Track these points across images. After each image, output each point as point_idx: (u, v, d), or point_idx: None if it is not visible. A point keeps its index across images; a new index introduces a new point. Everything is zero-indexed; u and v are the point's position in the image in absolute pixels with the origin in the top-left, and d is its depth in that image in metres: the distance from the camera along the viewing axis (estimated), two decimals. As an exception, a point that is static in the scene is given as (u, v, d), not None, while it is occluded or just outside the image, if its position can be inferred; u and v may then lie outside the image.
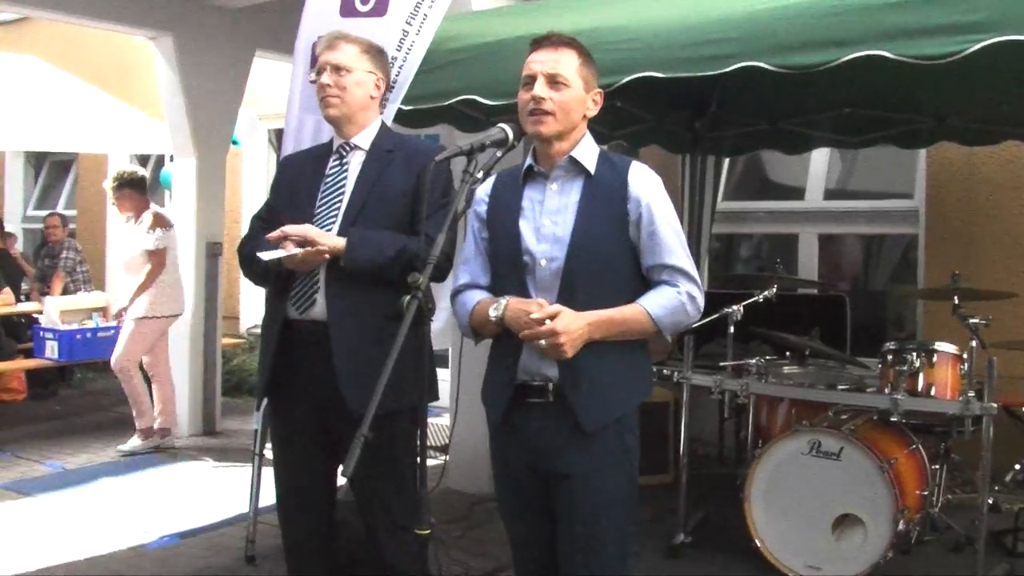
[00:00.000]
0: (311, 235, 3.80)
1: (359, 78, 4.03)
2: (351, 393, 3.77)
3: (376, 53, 4.15)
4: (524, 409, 3.34)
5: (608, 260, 3.30)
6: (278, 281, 3.97)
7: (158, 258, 8.27)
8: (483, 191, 3.53)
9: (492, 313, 3.28)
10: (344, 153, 4.06)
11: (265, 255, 3.83)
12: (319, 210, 3.97)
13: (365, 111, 4.08)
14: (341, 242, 3.83)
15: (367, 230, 3.87)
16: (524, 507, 3.47)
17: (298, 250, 3.79)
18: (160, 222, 8.34)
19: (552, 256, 3.30)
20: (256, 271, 4.06)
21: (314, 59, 4.48)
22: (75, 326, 9.11)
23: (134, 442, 8.40)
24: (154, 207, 8.54)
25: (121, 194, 8.45)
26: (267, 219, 4.12)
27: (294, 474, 4.13)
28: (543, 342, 3.13)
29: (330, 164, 4.07)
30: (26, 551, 5.91)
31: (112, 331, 9.40)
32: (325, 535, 4.19)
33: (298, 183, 4.12)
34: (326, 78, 3.99)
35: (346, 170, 4.03)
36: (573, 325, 3.14)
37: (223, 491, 7.20)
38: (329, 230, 3.90)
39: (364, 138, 4.07)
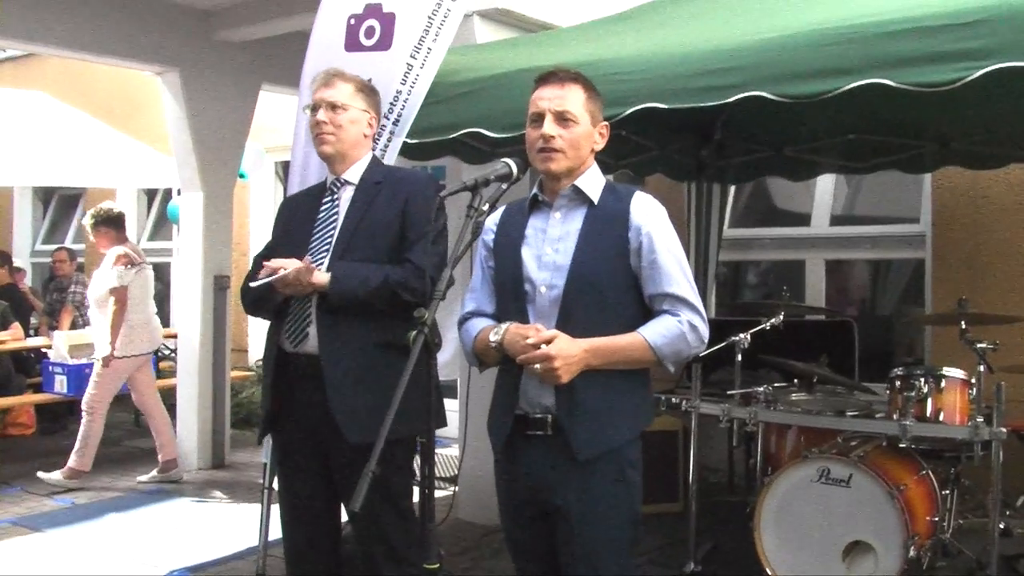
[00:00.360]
0: (298, 264, 3.85)
1: (354, 116, 4.11)
2: (346, 424, 3.85)
3: (369, 92, 4.24)
4: (524, 441, 3.35)
5: (607, 288, 3.30)
6: (274, 315, 4.01)
7: (118, 295, 8.15)
8: (491, 221, 3.56)
9: (492, 338, 3.29)
10: (335, 189, 4.14)
11: (254, 283, 3.92)
12: (312, 246, 4.05)
13: (358, 148, 4.16)
14: (327, 278, 3.89)
15: (352, 263, 3.94)
16: (528, 539, 3.47)
17: (284, 270, 3.84)
18: (124, 260, 8.26)
19: (552, 284, 3.32)
20: (254, 304, 4.15)
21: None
22: (84, 360, 9.10)
23: (55, 478, 8.32)
24: (126, 246, 8.46)
25: (99, 232, 8.45)
26: (268, 258, 4.16)
27: (298, 506, 4.18)
28: (538, 367, 3.13)
29: (323, 201, 4.15)
30: (36, 587, 5.92)
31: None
32: (331, 568, 4.22)
33: (294, 221, 4.22)
34: (322, 115, 4.06)
35: (337, 206, 4.11)
36: (568, 351, 3.14)
37: (233, 524, 7.19)
38: (321, 264, 3.97)
39: (354, 173, 4.14)
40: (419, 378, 3.85)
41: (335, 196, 4.13)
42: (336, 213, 4.09)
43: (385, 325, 3.94)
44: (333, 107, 4.06)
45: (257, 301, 4.11)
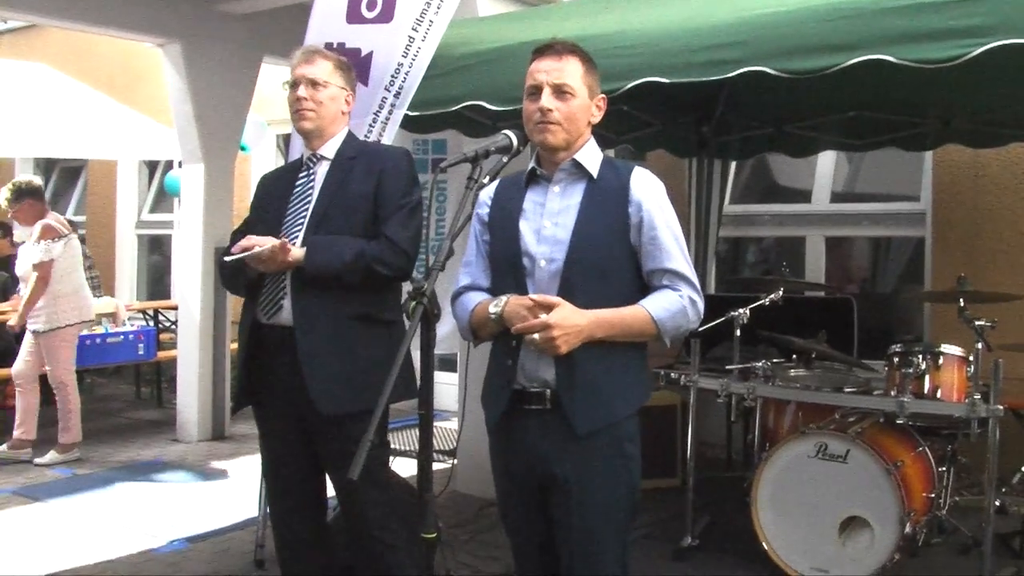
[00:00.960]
0: (274, 242, 3.89)
1: (333, 93, 4.16)
2: (319, 396, 3.91)
3: (347, 69, 4.28)
4: (521, 416, 3.34)
5: (607, 263, 3.30)
6: (248, 291, 4.04)
7: (42, 271, 8.05)
8: (486, 194, 3.55)
9: (492, 309, 3.28)
10: (311, 165, 4.18)
11: (228, 258, 3.97)
12: (287, 220, 4.10)
13: (335, 124, 4.20)
14: (302, 252, 3.94)
15: (328, 236, 3.98)
16: (524, 512, 3.47)
17: (260, 247, 3.88)
18: (48, 233, 8.14)
19: (551, 257, 3.30)
20: (230, 280, 4.21)
21: None
22: (85, 332, 9.12)
23: (51, 458, 8.28)
24: (48, 218, 8.31)
25: (20, 206, 8.32)
26: (244, 234, 4.22)
27: (281, 475, 4.23)
28: (536, 336, 3.13)
29: (299, 176, 4.19)
30: (36, 556, 5.94)
31: (122, 336, 9.44)
32: (317, 534, 4.28)
33: (271, 197, 4.25)
34: (302, 91, 4.10)
35: (312, 180, 4.15)
36: (570, 320, 3.13)
37: (232, 495, 7.23)
38: (295, 237, 4.01)
39: (330, 148, 4.18)
40: (393, 349, 3.92)
41: (311, 171, 4.17)
42: (311, 188, 4.13)
43: (359, 298, 4.01)
44: (313, 84, 4.10)
45: (232, 277, 4.14)
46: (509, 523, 3.58)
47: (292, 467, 4.16)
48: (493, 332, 3.37)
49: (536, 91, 3.32)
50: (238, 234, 4.25)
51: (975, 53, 3.76)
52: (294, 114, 4.13)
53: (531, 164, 3.46)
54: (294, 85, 4.12)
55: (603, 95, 3.46)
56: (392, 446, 5.43)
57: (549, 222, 3.35)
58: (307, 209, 4.07)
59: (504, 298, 3.28)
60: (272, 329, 4.02)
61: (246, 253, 3.89)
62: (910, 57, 3.92)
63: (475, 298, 3.46)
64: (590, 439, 3.26)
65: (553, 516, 3.37)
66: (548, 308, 3.14)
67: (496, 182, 3.51)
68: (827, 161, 8.82)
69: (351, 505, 4.11)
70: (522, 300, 3.22)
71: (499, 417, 3.41)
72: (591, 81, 3.36)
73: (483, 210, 3.55)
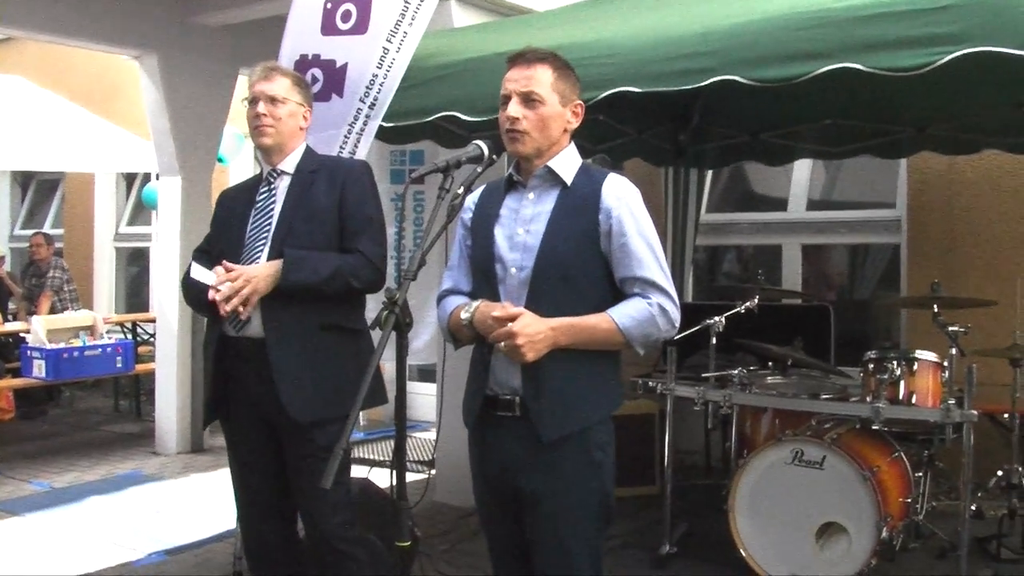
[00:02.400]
0: (248, 274, 3.91)
1: (292, 109, 4.19)
2: (292, 404, 3.93)
3: (305, 86, 4.34)
4: (494, 422, 3.35)
5: (576, 271, 3.28)
6: (213, 308, 4.04)
7: None
8: (471, 200, 3.56)
9: (463, 315, 3.29)
10: (272, 180, 4.21)
11: (196, 270, 4.02)
12: (250, 235, 4.12)
13: (294, 139, 4.23)
14: (275, 267, 3.93)
15: (302, 251, 3.98)
16: (500, 519, 3.47)
17: (223, 285, 3.89)
18: None
19: (522, 265, 3.30)
20: (193, 299, 4.19)
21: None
22: (62, 345, 9.10)
23: None
24: None
25: None
26: (206, 251, 4.29)
27: (250, 484, 4.24)
28: (502, 344, 3.13)
29: (259, 191, 4.21)
30: (14, 570, 5.92)
31: (100, 350, 9.41)
32: (287, 543, 4.30)
33: (232, 213, 4.27)
34: (261, 107, 4.12)
35: (274, 195, 4.17)
36: (533, 328, 3.12)
37: (210, 508, 7.19)
38: (260, 252, 4.04)
39: (290, 163, 4.21)
40: (360, 358, 4.00)
41: (272, 186, 4.19)
42: (273, 202, 4.14)
43: (327, 308, 4.03)
44: (272, 100, 4.12)
45: (196, 297, 4.13)
46: (487, 527, 3.58)
47: (260, 476, 4.17)
48: (470, 337, 3.37)
49: (506, 100, 3.32)
50: (199, 252, 4.30)
51: (943, 61, 3.78)
52: (253, 130, 4.15)
53: (509, 170, 3.46)
54: (253, 101, 4.14)
55: (580, 102, 3.44)
56: (370, 456, 5.44)
57: (522, 229, 3.35)
58: (270, 224, 4.09)
59: (474, 304, 3.30)
60: (240, 341, 4.03)
61: (211, 280, 3.93)
62: (880, 65, 3.94)
63: (455, 302, 3.46)
64: (557, 447, 3.26)
65: (525, 526, 3.37)
66: (511, 318, 3.14)
67: (482, 187, 3.53)
68: (803, 169, 8.86)
69: (312, 512, 4.12)
70: (487, 308, 3.23)
71: (474, 422, 3.42)
72: (563, 88, 3.34)
73: (467, 215, 3.56)
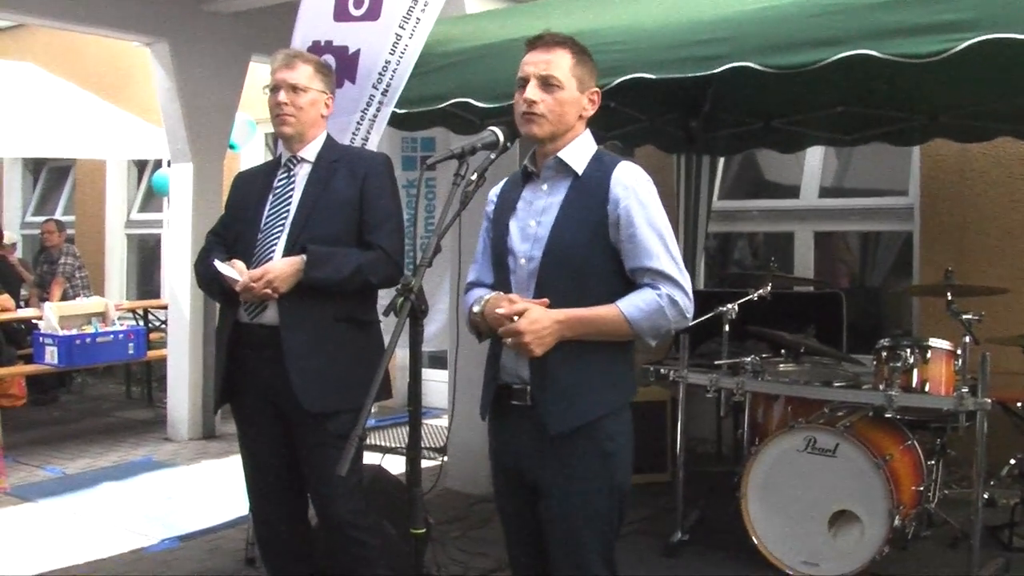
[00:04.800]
0: (271, 273, 3.91)
1: (314, 97, 4.17)
2: (304, 394, 3.93)
3: (327, 72, 4.30)
4: (508, 411, 3.35)
5: (584, 262, 3.26)
6: (226, 294, 4.05)
7: None
8: (494, 191, 3.57)
9: (475, 309, 3.30)
10: (292, 166, 4.19)
11: (221, 267, 3.98)
12: (267, 222, 4.11)
13: (315, 128, 4.21)
14: (298, 265, 3.93)
15: (324, 248, 3.98)
16: (515, 505, 3.47)
17: (244, 279, 3.91)
18: None
19: (531, 256, 3.30)
20: (207, 285, 4.21)
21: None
22: (74, 331, 9.11)
23: None
24: None
25: None
26: (221, 234, 4.29)
27: (262, 472, 4.24)
28: (509, 341, 3.13)
29: (278, 177, 4.20)
30: (27, 556, 5.94)
31: (112, 336, 9.42)
32: (298, 530, 4.30)
33: (248, 197, 4.25)
34: (283, 96, 4.10)
35: (293, 182, 4.16)
36: (538, 324, 3.11)
37: (223, 494, 7.21)
38: (276, 239, 4.03)
39: (311, 151, 4.19)
40: (370, 349, 4.02)
41: (291, 173, 4.17)
42: (292, 189, 4.13)
43: (343, 299, 4.04)
44: (294, 89, 4.10)
45: (209, 283, 4.14)
46: (503, 516, 3.58)
47: (271, 462, 4.18)
48: (487, 329, 3.35)
49: (524, 83, 3.30)
50: (214, 234, 4.30)
51: (959, 48, 3.76)
52: (275, 119, 4.13)
53: (525, 162, 3.45)
54: (275, 89, 4.12)
55: (597, 89, 3.42)
56: (382, 443, 5.44)
57: (533, 220, 3.34)
58: (288, 211, 4.08)
59: (485, 298, 3.29)
60: (254, 328, 4.03)
61: (235, 278, 3.93)
62: (895, 52, 3.92)
63: (476, 294, 3.44)
64: (566, 440, 3.24)
65: (539, 518, 3.37)
66: (518, 313, 3.13)
67: (506, 179, 3.52)
68: (815, 156, 8.84)
69: (323, 499, 4.12)
70: (495, 302, 3.23)
71: (488, 410, 3.42)
72: (581, 73, 3.33)
73: (490, 207, 3.56)
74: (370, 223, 4.06)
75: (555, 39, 3.34)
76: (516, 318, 3.12)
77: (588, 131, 3.44)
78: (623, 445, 3.33)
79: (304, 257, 3.93)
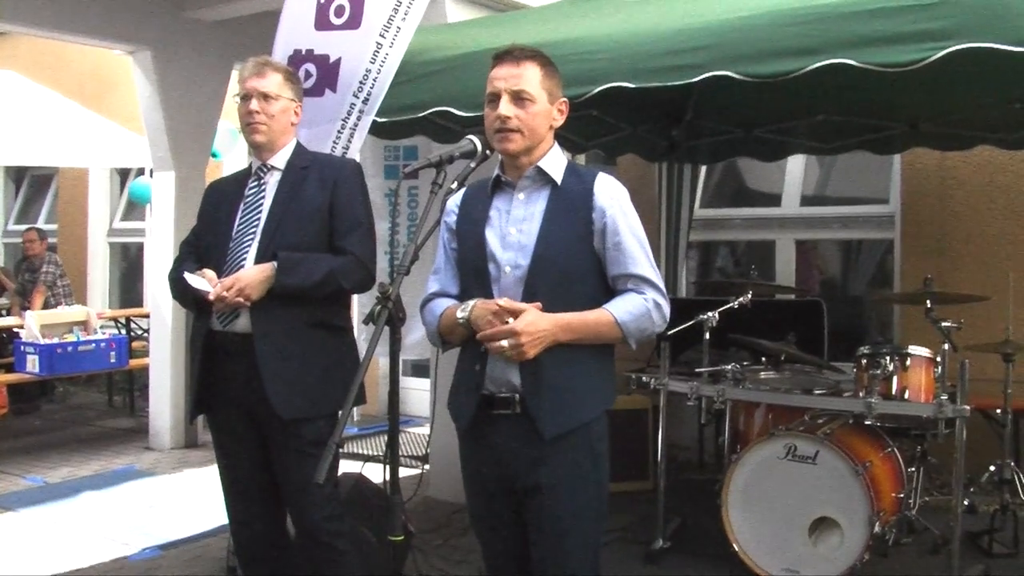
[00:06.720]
0: (242, 282, 3.91)
1: (284, 106, 4.19)
2: (278, 400, 3.93)
3: (296, 80, 4.34)
4: (491, 421, 3.35)
5: (571, 268, 3.32)
6: (199, 303, 4.05)
7: None
8: (453, 202, 3.56)
9: (460, 314, 3.29)
10: (262, 175, 4.20)
11: (191, 278, 3.96)
12: (238, 230, 4.11)
13: (286, 136, 4.23)
14: (268, 272, 3.93)
15: (295, 253, 3.98)
16: (495, 518, 3.48)
17: (216, 288, 3.90)
18: None
19: (516, 264, 3.32)
20: (180, 295, 4.20)
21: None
22: (56, 340, 9.09)
23: None
24: None
25: None
26: (194, 244, 4.29)
27: (238, 479, 4.25)
28: (504, 342, 3.14)
29: (249, 186, 4.20)
30: (8, 565, 5.92)
31: (94, 345, 9.40)
32: (276, 536, 4.31)
33: (219, 206, 4.25)
34: (254, 104, 4.11)
35: (264, 190, 4.17)
36: (537, 324, 3.16)
37: (204, 503, 7.19)
38: (247, 248, 4.04)
39: (280, 159, 4.20)
40: (344, 355, 4.06)
41: (262, 181, 4.18)
42: (263, 197, 4.14)
43: (315, 306, 4.05)
44: (265, 97, 4.12)
45: (182, 293, 4.14)
46: (480, 527, 3.60)
47: (246, 470, 4.18)
48: (463, 337, 3.37)
49: (495, 98, 3.32)
50: (187, 245, 4.31)
51: (935, 57, 3.79)
52: (246, 127, 4.15)
53: (496, 171, 3.47)
54: (245, 98, 4.14)
55: (564, 99, 3.46)
56: (363, 452, 5.43)
57: (514, 228, 3.36)
58: (259, 219, 4.09)
59: (471, 303, 3.30)
60: (227, 336, 4.03)
61: (207, 289, 3.92)
62: (872, 61, 3.95)
63: (443, 304, 3.47)
64: (559, 442, 3.28)
65: (526, 520, 3.39)
66: (514, 313, 3.16)
67: (463, 190, 3.52)
68: (797, 165, 8.87)
69: (298, 505, 4.13)
70: (488, 305, 3.23)
71: (469, 422, 3.41)
72: (550, 85, 3.36)
73: (451, 218, 3.56)
74: (340, 229, 4.07)
75: (524, 53, 3.37)
76: (511, 319, 3.15)
77: (556, 142, 3.48)
78: (607, 446, 3.42)
79: (275, 264, 3.94)
